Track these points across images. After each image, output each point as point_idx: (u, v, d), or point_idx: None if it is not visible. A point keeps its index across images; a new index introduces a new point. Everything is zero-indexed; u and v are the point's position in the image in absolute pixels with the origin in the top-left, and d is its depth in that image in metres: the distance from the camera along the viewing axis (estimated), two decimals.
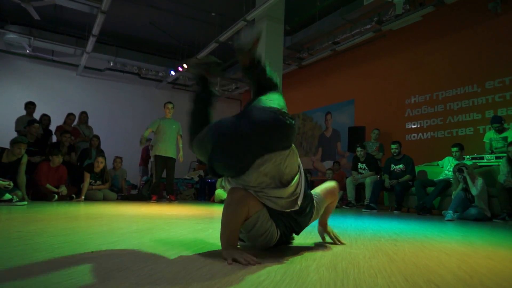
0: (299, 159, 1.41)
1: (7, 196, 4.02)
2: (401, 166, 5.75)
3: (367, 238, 2.02)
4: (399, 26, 6.44)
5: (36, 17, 6.62)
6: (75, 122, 6.95)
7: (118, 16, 8.09)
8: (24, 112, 6.45)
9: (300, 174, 1.39)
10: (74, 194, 5.52)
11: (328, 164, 8.63)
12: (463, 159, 5.14)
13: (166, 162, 6.08)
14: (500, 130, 5.14)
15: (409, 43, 7.24)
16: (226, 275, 1.01)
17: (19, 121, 6.26)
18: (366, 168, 6.26)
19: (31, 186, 5.20)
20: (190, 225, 2.42)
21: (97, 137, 6.67)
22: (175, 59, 9.87)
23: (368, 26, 6.75)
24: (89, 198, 5.63)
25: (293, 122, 1.30)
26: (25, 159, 4.75)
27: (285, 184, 1.30)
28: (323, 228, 1.74)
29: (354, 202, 6.29)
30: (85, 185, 5.61)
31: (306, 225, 1.50)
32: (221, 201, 6.39)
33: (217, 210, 4.25)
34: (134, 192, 7.82)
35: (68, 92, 9.37)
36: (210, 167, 1.33)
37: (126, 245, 1.47)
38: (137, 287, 0.86)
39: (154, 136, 6.22)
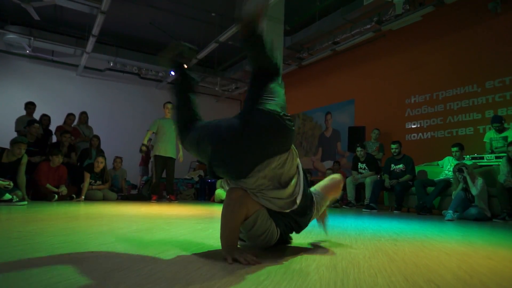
0: (298, 158, 1.41)
1: (7, 196, 4.02)
2: (401, 166, 5.75)
3: (367, 238, 2.02)
4: (399, 26, 6.44)
5: (36, 18, 6.62)
6: (75, 122, 6.95)
7: (118, 16, 8.09)
8: (24, 112, 6.45)
9: (299, 174, 1.38)
10: (74, 194, 5.52)
11: (328, 164, 8.63)
12: (463, 159, 5.14)
13: (166, 162, 6.09)
14: (500, 130, 5.14)
15: (409, 43, 7.24)
16: (226, 275, 1.01)
17: (19, 121, 6.26)
18: (366, 168, 6.26)
19: (31, 186, 5.20)
20: (190, 225, 2.42)
21: (97, 137, 6.68)
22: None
23: (368, 26, 6.75)
24: (89, 198, 5.63)
25: (293, 125, 1.29)
26: (25, 159, 4.75)
27: (284, 185, 1.30)
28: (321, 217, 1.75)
29: (354, 202, 6.29)
30: (85, 185, 5.61)
31: (306, 225, 1.50)
32: (221, 201, 6.38)
33: (217, 210, 4.24)
34: (134, 192, 7.82)
35: (68, 92, 9.37)
36: (210, 170, 1.34)
37: (126, 245, 1.47)
38: (137, 287, 0.86)
39: (154, 136, 6.23)
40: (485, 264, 1.36)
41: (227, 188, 1.36)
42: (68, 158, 6.03)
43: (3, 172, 4.46)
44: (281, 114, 1.25)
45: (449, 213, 4.11)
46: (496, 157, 4.90)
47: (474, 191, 4.30)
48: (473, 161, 5.11)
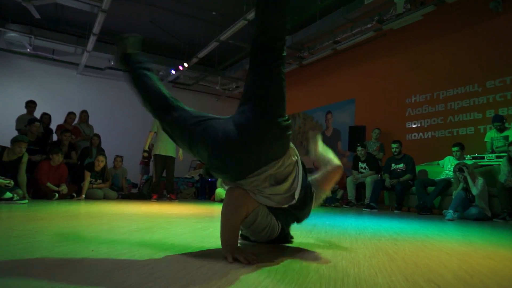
0: (295, 150, 1.39)
1: (8, 194, 4.03)
2: (401, 165, 5.75)
3: (368, 238, 2.02)
4: (400, 25, 6.43)
5: (36, 16, 6.62)
6: (76, 121, 6.95)
7: (119, 15, 8.08)
8: (24, 111, 6.45)
9: (297, 168, 1.37)
10: (74, 193, 5.52)
11: None
12: (464, 158, 5.14)
13: (166, 161, 6.09)
14: (501, 129, 5.14)
15: (410, 42, 7.23)
16: (227, 274, 1.01)
17: (19, 119, 6.26)
18: (367, 167, 6.26)
19: (31, 185, 5.20)
20: (190, 224, 2.42)
21: (98, 136, 6.68)
22: (175, 58, 9.87)
23: (369, 25, 6.74)
24: (90, 197, 5.64)
25: (291, 130, 1.28)
26: (25, 158, 4.75)
27: (280, 182, 1.30)
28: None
29: (354, 201, 6.29)
30: (86, 184, 5.61)
31: (306, 216, 1.49)
32: (221, 200, 6.38)
33: (218, 209, 4.24)
34: (134, 191, 7.82)
35: (69, 91, 9.37)
36: (206, 171, 1.33)
37: (126, 244, 1.47)
38: (137, 286, 0.86)
39: (154, 136, 6.25)
40: (485, 264, 1.36)
41: (225, 187, 1.36)
42: (68, 159, 6.03)
43: (3, 170, 4.46)
44: (280, 122, 1.23)
45: (450, 213, 4.11)
46: (497, 157, 4.90)
47: (474, 191, 4.29)
48: (474, 160, 5.10)
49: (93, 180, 5.84)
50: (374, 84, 7.90)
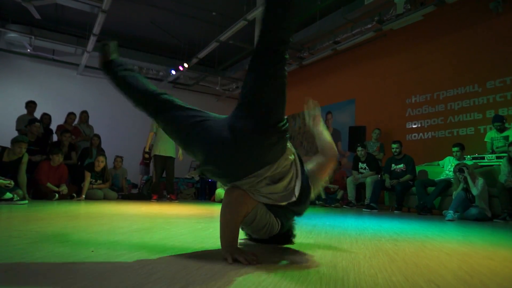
0: (293, 149, 1.38)
1: (8, 195, 4.03)
2: (401, 165, 5.75)
3: (368, 238, 2.02)
4: (400, 25, 6.43)
5: (37, 16, 6.62)
6: (76, 121, 6.96)
7: (119, 16, 8.09)
8: (24, 111, 6.46)
9: (295, 165, 1.36)
10: (74, 193, 5.52)
11: None
12: (464, 159, 5.14)
13: (166, 162, 6.10)
14: (501, 129, 5.14)
15: (410, 42, 7.23)
16: (227, 274, 1.01)
17: (20, 120, 6.26)
18: (367, 167, 6.25)
19: (31, 185, 5.20)
20: (190, 224, 2.42)
21: (98, 136, 6.68)
22: (175, 59, 9.87)
23: (369, 26, 6.74)
24: (90, 197, 5.64)
25: (288, 134, 1.27)
26: (25, 158, 4.75)
27: (276, 181, 1.29)
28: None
29: (354, 201, 6.29)
30: (86, 184, 5.61)
31: (305, 210, 1.48)
32: (221, 201, 6.27)
33: (218, 210, 4.23)
34: (134, 191, 7.82)
35: (69, 91, 9.37)
36: (201, 172, 1.33)
37: (126, 244, 1.47)
38: (137, 286, 0.86)
39: (154, 136, 6.25)
40: (485, 265, 1.36)
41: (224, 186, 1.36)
42: (68, 159, 6.02)
43: (4, 171, 4.46)
44: (278, 127, 1.22)
45: (450, 213, 4.11)
46: (497, 157, 4.90)
47: (474, 191, 4.29)
48: (474, 161, 5.10)
49: (93, 180, 5.84)
50: (374, 84, 7.90)
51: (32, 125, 5.73)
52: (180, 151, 6.23)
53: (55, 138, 6.64)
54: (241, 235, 1.73)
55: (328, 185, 6.91)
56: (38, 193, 5.20)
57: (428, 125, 6.83)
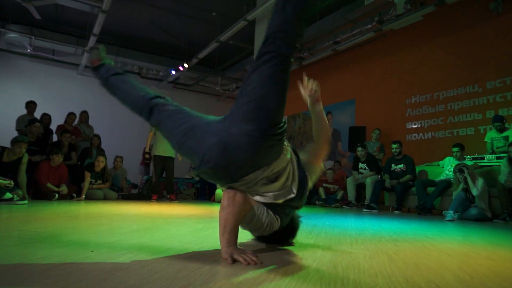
0: (289, 147, 1.37)
1: (8, 195, 4.03)
2: (401, 166, 5.75)
3: (368, 238, 2.02)
4: (400, 25, 6.43)
5: (37, 17, 6.62)
6: (76, 122, 6.96)
7: (119, 16, 8.09)
8: (25, 111, 6.46)
9: (292, 163, 1.35)
10: (74, 193, 5.52)
11: (329, 164, 8.62)
12: (464, 159, 5.14)
13: (165, 162, 6.10)
14: (501, 129, 5.14)
15: (410, 43, 7.23)
16: (226, 274, 1.01)
17: (20, 120, 6.27)
18: (367, 168, 6.25)
19: (31, 185, 5.20)
20: (190, 224, 2.42)
21: (98, 136, 6.68)
22: (176, 59, 9.88)
23: (369, 26, 6.74)
24: (90, 198, 5.63)
25: (284, 137, 1.26)
26: (25, 158, 4.75)
27: (273, 180, 1.29)
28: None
29: (354, 202, 6.29)
30: (86, 185, 5.61)
31: (303, 203, 1.47)
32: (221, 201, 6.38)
33: (217, 210, 4.22)
34: (134, 191, 7.82)
35: (69, 91, 9.37)
36: (197, 173, 1.33)
37: (126, 245, 1.47)
38: (137, 286, 0.86)
39: (154, 137, 6.26)
40: (486, 265, 1.36)
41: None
42: (68, 160, 6.02)
43: (3, 171, 4.46)
44: (276, 130, 1.20)
45: (450, 214, 4.11)
46: (497, 158, 4.90)
47: (474, 191, 4.29)
48: (474, 161, 5.10)
49: (93, 180, 5.84)
50: (374, 84, 7.90)
51: (32, 125, 5.73)
52: None
53: (55, 138, 6.64)
54: (242, 236, 1.73)
55: (328, 185, 6.91)
56: (38, 193, 5.20)
57: (428, 125, 6.83)
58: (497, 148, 5.12)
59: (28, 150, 4.94)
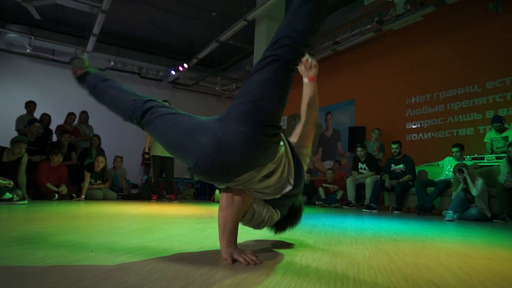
0: (285, 141, 1.35)
1: (8, 195, 4.03)
2: (401, 166, 5.75)
3: (367, 238, 2.02)
4: (400, 26, 6.44)
5: (36, 17, 6.62)
6: (76, 122, 6.96)
7: (119, 16, 8.09)
8: (24, 111, 6.46)
9: (286, 154, 1.33)
10: (74, 193, 5.52)
11: (328, 164, 8.63)
12: (464, 159, 5.14)
13: (165, 162, 6.09)
14: (500, 130, 5.14)
15: (410, 43, 7.24)
16: (226, 274, 1.01)
17: (19, 120, 6.26)
18: (367, 168, 6.26)
19: (31, 186, 5.20)
20: (190, 224, 2.42)
21: (98, 136, 6.68)
22: (175, 59, 9.87)
23: (369, 26, 6.75)
24: (89, 198, 5.63)
25: (281, 139, 1.25)
26: (25, 159, 4.75)
27: (269, 175, 1.27)
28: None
29: (354, 202, 6.29)
30: (85, 185, 5.61)
31: (301, 191, 1.46)
32: None
33: (217, 210, 4.24)
34: (134, 191, 7.82)
35: (69, 91, 9.31)
36: (191, 173, 1.31)
37: (126, 245, 1.47)
38: (137, 286, 0.86)
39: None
40: (485, 265, 1.36)
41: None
42: (68, 160, 6.02)
43: (3, 171, 4.46)
44: (274, 132, 1.19)
45: (449, 214, 4.11)
46: (497, 158, 4.90)
47: (474, 191, 4.30)
48: (474, 161, 5.11)
49: (93, 180, 5.84)
50: (374, 84, 7.91)
51: (31, 125, 5.73)
52: None
53: (54, 138, 6.64)
54: (242, 236, 1.73)
55: (328, 186, 6.92)
56: (38, 193, 5.20)
57: (427, 125, 6.84)
58: (497, 148, 5.12)
59: (28, 150, 4.94)
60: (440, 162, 5.50)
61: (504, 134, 5.09)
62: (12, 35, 8.16)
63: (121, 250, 1.33)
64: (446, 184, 4.99)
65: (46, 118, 6.53)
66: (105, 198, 5.85)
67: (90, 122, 7.15)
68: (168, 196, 6.40)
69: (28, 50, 8.42)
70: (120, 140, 8.92)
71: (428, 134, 6.82)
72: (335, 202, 6.59)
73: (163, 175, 6.36)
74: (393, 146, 5.83)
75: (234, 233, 1.27)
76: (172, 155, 1.37)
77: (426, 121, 6.86)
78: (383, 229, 2.65)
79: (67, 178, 5.65)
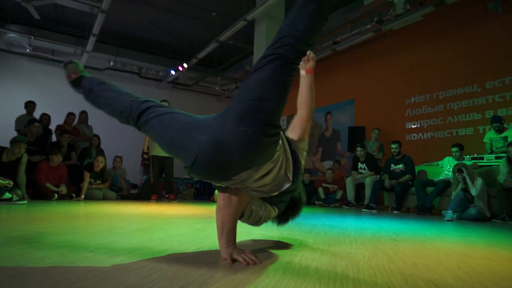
0: (282, 137, 1.34)
1: (7, 195, 4.03)
2: (401, 166, 5.75)
3: (367, 238, 2.02)
4: (400, 26, 6.44)
5: (36, 17, 6.62)
6: (75, 122, 6.95)
7: (119, 16, 8.09)
8: (24, 111, 6.45)
9: (284, 151, 1.32)
10: (73, 193, 5.52)
11: (328, 164, 8.63)
12: (463, 159, 5.14)
13: (164, 162, 6.09)
14: (500, 130, 5.14)
15: (409, 43, 7.24)
16: (226, 274, 1.01)
17: (19, 120, 6.26)
18: (366, 168, 6.26)
19: (31, 185, 5.20)
20: (189, 224, 2.42)
21: (97, 136, 6.68)
22: (175, 59, 9.87)
23: (369, 26, 6.74)
24: (89, 198, 5.63)
25: (279, 139, 1.24)
26: (25, 159, 4.75)
27: (266, 174, 1.26)
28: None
29: (353, 202, 6.29)
30: (85, 185, 5.61)
31: (298, 184, 1.44)
32: None
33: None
34: (134, 191, 7.82)
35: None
36: (188, 172, 1.31)
37: (126, 245, 1.47)
38: (137, 286, 0.86)
39: None
40: (484, 264, 1.36)
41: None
42: (67, 160, 6.01)
43: (3, 171, 4.46)
44: (272, 132, 1.18)
45: (449, 213, 4.11)
46: (496, 158, 4.90)
47: (473, 191, 4.30)
48: (473, 161, 5.11)
49: (93, 180, 5.84)
50: (373, 84, 7.91)
51: (31, 125, 5.73)
52: None
53: (54, 138, 6.64)
54: (242, 236, 1.73)
55: (328, 185, 6.92)
56: (37, 193, 5.20)
57: (427, 125, 6.84)
58: (496, 148, 5.13)
59: (28, 150, 4.94)
60: (439, 162, 5.50)
61: (504, 134, 5.09)
62: (11, 35, 8.16)
63: (121, 250, 1.33)
64: (446, 184, 4.99)
65: (45, 118, 6.53)
66: (105, 198, 5.85)
67: (90, 122, 7.15)
68: (167, 196, 6.40)
69: (27, 50, 8.42)
70: (120, 140, 8.91)
71: (427, 134, 6.82)
72: (335, 202, 6.59)
73: (163, 175, 6.36)
74: (393, 146, 5.84)
75: (232, 232, 1.27)
76: (170, 154, 1.36)
77: (425, 121, 6.87)
78: (383, 229, 2.65)
79: (66, 178, 5.65)
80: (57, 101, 8.67)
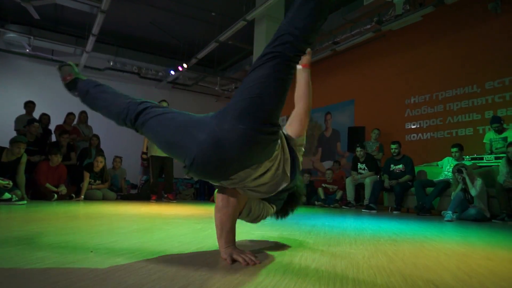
0: (280, 134, 1.33)
1: (7, 195, 4.02)
2: (400, 166, 5.76)
3: (367, 238, 2.02)
4: (399, 26, 6.44)
5: (36, 17, 6.62)
6: (75, 122, 6.95)
7: (118, 16, 8.09)
8: (23, 111, 6.45)
9: (283, 149, 1.31)
10: (73, 193, 5.52)
11: (328, 164, 8.63)
12: (463, 159, 5.15)
13: (164, 162, 6.08)
14: (499, 130, 5.15)
15: (409, 43, 7.24)
16: (225, 274, 1.01)
17: (18, 120, 6.26)
18: (366, 168, 6.26)
19: (30, 186, 5.19)
20: (189, 224, 2.42)
21: (97, 136, 6.68)
22: (175, 59, 9.87)
23: (368, 26, 6.75)
24: (89, 198, 5.63)
25: (278, 138, 1.23)
26: (24, 159, 4.75)
27: (264, 173, 1.25)
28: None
29: (353, 202, 6.29)
30: (85, 185, 5.60)
31: (296, 181, 1.44)
32: None
33: None
34: (134, 191, 7.82)
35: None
36: (186, 172, 1.29)
37: (126, 245, 1.47)
38: (137, 286, 0.86)
39: None
40: (484, 265, 1.36)
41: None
42: (67, 160, 6.01)
43: (2, 171, 4.45)
44: (271, 131, 1.18)
45: (449, 214, 4.11)
46: (496, 158, 4.91)
47: (473, 192, 4.30)
48: (473, 161, 5.11)
49: (92, 180, 5.83)
50: (373, 85, 7.91)
51: (31, 125, 5.73)
52: None
53: (54, 138, 6.64)
54: (241, 236, 1.73)
55: (327, 186, 6.92)
56: (37, 193, 5.19)
57: (427, 125, 6.84)
58: (496, 149, 5.13)
59: (27, 150, 4.94)
60: (439, 162, 5.50)
61: (503, 134, 5.10)
62: (11, 35, 8.15)
63: (121, 250, 1.33)
64: (445, 185, 4.99)
65: (45, 118, 6.53)
66: (105, 198, 5.85)
67: (90, 122, 7.14)
68: (166, 195, 6.40)
69: (27, 50, 8.41)
70: (120, 140, 8.89)
71: (427, 134, 6.82)
72: (335, 202, 6.59)
73: (163, 175, 6.35)
74: (393, 146, 5.84)
75: (232, 232, 1.27)
76: (168, 154, 1.35)
77: (425, 121, 6.87)
78: (383, 229, 2.65)
79: (66, 178, 5.65)
80: (57, 101, 8.65)
